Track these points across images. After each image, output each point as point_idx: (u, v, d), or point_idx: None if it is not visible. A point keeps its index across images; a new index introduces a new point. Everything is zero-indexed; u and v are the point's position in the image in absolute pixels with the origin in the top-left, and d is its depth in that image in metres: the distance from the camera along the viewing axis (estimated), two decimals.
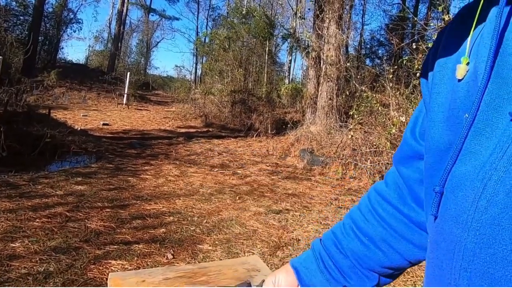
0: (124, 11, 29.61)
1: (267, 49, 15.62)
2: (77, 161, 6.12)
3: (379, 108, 6.81)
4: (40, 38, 20.73)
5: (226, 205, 4.33)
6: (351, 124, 7.35)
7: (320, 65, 9.60)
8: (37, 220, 3.34)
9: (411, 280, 2.77)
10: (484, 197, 0.38)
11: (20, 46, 14.64)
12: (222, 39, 15.43)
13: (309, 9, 15.60)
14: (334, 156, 6.81)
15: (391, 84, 6.97)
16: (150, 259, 2.85)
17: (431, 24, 8.41)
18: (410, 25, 13.60)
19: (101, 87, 20.00)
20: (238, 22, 16.11)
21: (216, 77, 15.26)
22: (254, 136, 10.26)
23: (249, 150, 8.54)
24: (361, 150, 6.33)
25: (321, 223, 3.98)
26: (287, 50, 20.94)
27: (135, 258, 2.85)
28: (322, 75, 8.97)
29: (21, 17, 20.41)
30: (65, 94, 16.47)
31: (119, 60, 30.43)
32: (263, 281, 0.70)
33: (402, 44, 9.86)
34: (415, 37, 7.86)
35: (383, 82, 7.52)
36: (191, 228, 3.53)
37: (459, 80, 0.46)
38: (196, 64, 30.91)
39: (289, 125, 9.35)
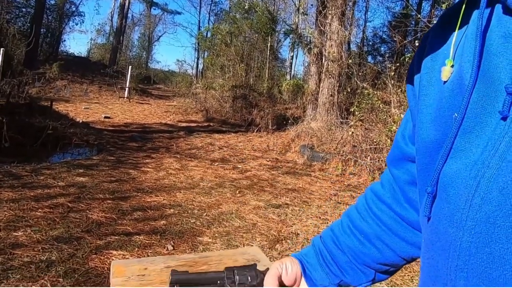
0: (126, 4, 29.53)
1: (269, 44, 15.60)
2: (79, 153, 6.16)
3: (380, 105, 6.82)
4: (42, 30, 20.71)
5: (226, 198, 4.37)
6: (352, 120, 7.37)
7: (321, 61, 9.60)
8: (39, 210, 3.38)
9: (408, 275, 2.81)
10: (478, 195, 0.38)
11: (22, 38, 14.63)
12: (224, 34, 15.41)
13: (311, 5, 15.58)
14: (334, 152, 6.84)
15: (392, 82, 6.98)
16: (151, 250, 2.89)
17: (434, 22, 8.39)
18: (413, 22, 13.58)
19: (102, 80, 20.00)
20: (240, 17, 16.09)
21: (218, 72, 15.26)
22: (255, 131, 10.29)
23: (249, 145, 8.57)
24: (361, 146, 6.36)
25: (320, 218, 4.01)
26: (289, 46, 20.90)
27: (136, 248, 2.88)
28: (323, 72, 8.97)
29: (23, 9, 20.40)
30: (66, 86, 16.49)
31: (121, 53, 30.38)
32: (267, 268, 0.72)
33: (404, 42, 9.85)
34: (418, 35, 7.86)
35: (384, 79, 7.53)
36: (191, 221, 3.57)
37: (444, 82, 0.47)
38: (198, 58, 30.88)
39: (289, 121, 9.37)
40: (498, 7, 0.42)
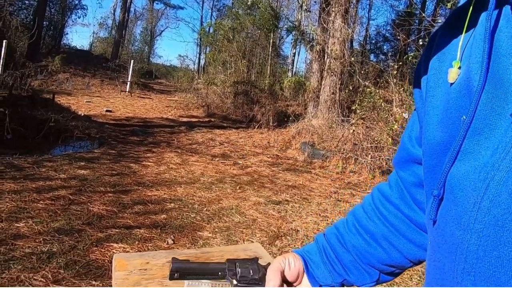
0: None
1: (271, 41, 15.58)
2: (80, 146, 6.17)
3: (382, 103, 6.83)
4: (45, 23, 20.69)
5: (226, 194, 4.39)
6: (353, 119, 7.37)
7: (324, 59, 9.58)
8: (41, 202, 3.40)
9: (407, 273, 2.82)
10: (487, 198, 0.38)
11: (25, 30, 14.63)
12: (227, 30, 15.38)
13: (315, 2, 15.51)
14: (335, 150, 6.85)
15: (395, 80, 6.98)
16: (151, 244, 2.91)
17: (439, 21, 8.38)
18: (417, 21, 13.53)
19: (104, 74, 19.99)
20: (243, 13, 16.04)
21: (219, 67, 15.24)
22: (256, 127, 10.29)
23: (250, 141, 8.58)
24: (362, 145, 6.37)
25: (320, 215, 4.03)
26: (291, 43, 20.84)
27: (136, 242, 2.90)
28: (325, 69, 8.96)
29: (26, 1, 20.35)
30: (69, 79, 16.49)
31: (123, 47, 30.35)
32: (269, 263, 0.72)
33: (408, 40, 9.83)
34: (422, 34, 7.85)
35: (387, 78, 7.53)
36: (192, 215, 3.59)
37: (451, 84, 0.46)
38: (200, 54, 30.86)
39: (290, 118, 9.37)
40: (507, 8, 0.41)
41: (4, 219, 2.95)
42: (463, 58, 0.46)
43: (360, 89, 8.43)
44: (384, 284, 2.61)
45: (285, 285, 0.69)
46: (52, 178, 4.11)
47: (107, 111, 10.95)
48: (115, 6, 33.65)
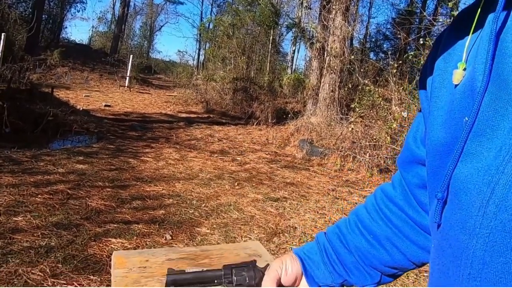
0: None
1: (271, 38, 15.55)
2: (79, 141, 6.16)
3: (381, 102, 6.83)
4: (43, 16, 20.56)
5: (224, 190, 4.39)
6: (352, 117, 7.38)
7: (323, 56, 9.58)
8: (39, 196, 3.40)
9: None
10: (493, 202, 0.37)
11: (24, 23, 14.54)
12: (226, 26, 15.35)
13: None
14: (333, 148, 6.86)
15: (394, 79, 6.98)
16: (149, 239, 2.91)
17: (439, 20, 8.37)
18: (417, 20, 13.52)
19: (103, 68, 19.93)
20: (243, 9, 16.00)
21: (219, 63, 15.21)
22: (255, 124, 10.29)
23: (249, 137, 8.59)
24: (360, 143, 6.38)
25: (317, 212, 4.04)
26: (291, 40, 20.80)
27: (135, 237, 2.91)
28: (325, 67, 8.96)
29: None
30: (67, 73, 16.43)
31: (122, 42, 30.24)
32: (268, 265, 0.72)
33: (408, 39, 9.83)
34: (422, 32, 7.85)
35: (386, 76, 7.53)
36: (190, 211, 3.60)
37: (456, 85, 0.46)
38: (199, 50, 30.76)
39: (289, 115, 9.37)
40: None
41: (2, 213, 2.95)
42: (469, 59, 0.46)
43: (360, 87, 8.43)
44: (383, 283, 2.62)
45: None
46: (50, 172, 4.11)
47: (106, 105, 10.93)
48: (114, 0, 33.51)
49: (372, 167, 5.94)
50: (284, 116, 9.96)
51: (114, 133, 7.07)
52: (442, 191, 0.44)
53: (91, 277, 2.31)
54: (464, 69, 0.45)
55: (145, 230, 3.05)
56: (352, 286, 0.69)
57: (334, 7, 8.66)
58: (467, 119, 0.42)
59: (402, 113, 6.02)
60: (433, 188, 0.48)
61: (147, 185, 4.17)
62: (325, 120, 8.38)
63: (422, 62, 5.99)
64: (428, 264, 0.56)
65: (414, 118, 0.67)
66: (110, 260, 0.95)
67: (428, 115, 0.53)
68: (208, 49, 19.92)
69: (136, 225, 3.12)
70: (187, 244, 2.92)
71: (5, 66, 7.13)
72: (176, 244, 2.90)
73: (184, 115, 11.44)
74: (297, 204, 4.23)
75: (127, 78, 17.32)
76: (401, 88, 6.67)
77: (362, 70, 9.58)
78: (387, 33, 18.59)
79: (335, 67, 8.63)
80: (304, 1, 14.65)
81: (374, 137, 6.29)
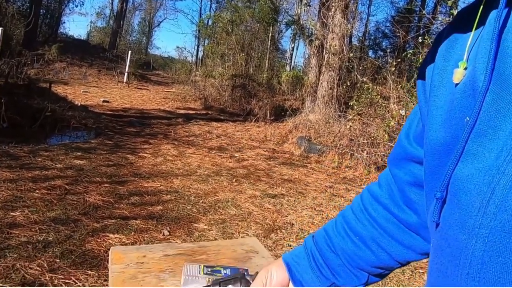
0: None
1: (270, 35, 15.52)
2: (77, 136, 6.16)
3: (379, 100, 6.85)
4: (41, 11, 20.47)
5: (222, 187, 4.40)
6: (350, 114, 7.39)
7: (322, 54, 9.57)
8: (37, 191, 3.40)
9: (400, 268, 2.86)
10: (493, 203, 0.37)
11: (21, 18, 14.46)
12: (225, 22, 15.31)
13: None
14: (331, 145, 6.87)
15: (393, 77, 6.99)
16: (147, 235, 2.92)
17: (439, 18, 8.38)
18: (416, 18, 13.51)
19: (101, 64, 19.86)
20: (242, 5, 15.96)
21: (218, 60, 15.18)
22: (253, 121, 10.30)
23: (247, 134, 8.59)
24: (358, 140, 6.39)
25: (315, 209, 4.05)
26: (290, 37, 20.76)
27: (132, 233, 2.92)
28: (324, 64, 8.96)
29: None
30: (65, 69, 16.37)
31: (121, 38, 30.13)
32: (257, 272, 0.73)
33: (407, 38, 9.82)
34: (421, 31, 7.85)
35: (385, 74, 7.54)
36: (188, 207, 3.60)
37: (456, 85, 0.46)
38: (198, 46, 30.70)
39: (288, 112, 9.37)
40: None
41: None
42: (469, 58, 0.45)
43: (358, 85, 8.44)
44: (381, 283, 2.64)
45: None
46: (48, 168, 4.10)
47: (104, 101, 10.91)
48: None
49: (370, 165, 5.96)
50: (283, 113, 9.97)
51: (112, 129, 7.06)
52: (441, 190, 0.44)
53: (89, 272, 2.31)
54: (465, 68, 0.45)
55: (143, 226, 3.06)
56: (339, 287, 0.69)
57: (333, 4, 8.65)
58: (468, 119, 0.41)
59: (400, 111, 6.04)
60: (432, 187, 0.47)
61: (145, 181, 4.18)
62: (323, 117, 8.39)
63: (420, 61, 5.99)
64: (423, 261, 0.56)
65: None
66: (108, 255, 0.96)
67: (426, 113, 0.52)
68: (207, 46, 19.88)
69: (134, 220, 3.13)
70: (185, 240, 2.93)
71: (2, 61, 7.10)
72: (174, 239, 2.91)
73: (182, 111, 11.43)
74: (294, 200, 4.25)
75: (126, 74, 17.27)
76: (399, 86, 6.68)
77: (360, 68, 9.59)
78: (386, 31, 18.58)
79: (334, 65, 8.63)
80: None
81: (372, 134, 6.31)
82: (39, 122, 5.89)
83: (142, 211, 3.35)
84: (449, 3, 5.68)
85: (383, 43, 18.58)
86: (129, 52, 19.21)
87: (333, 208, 4.13)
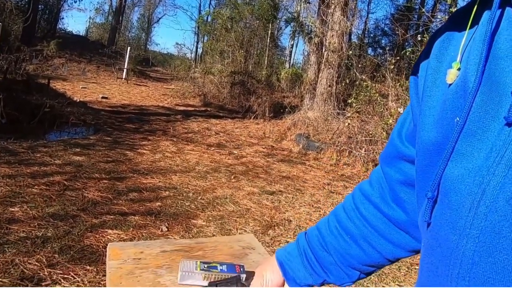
0: None
1: (269, 32, 15.49)
2: (76, 132, 6.16)
3: (378, 98, 6.85)
4: (40, 6, 20.38)
5: (221, 183, 4.42)
6: (349, 112, 7.40)
7: (322, 51, 9.57)
8: (36, 187, 3.41)
9: (395, 264, 2.88)
10: (484, 204, 0.37)
11: (20, 13, 14.41)
12: (225, 19, 15.27)
13: None
14: (329, 143, 6.89)
15: (391, 75, 6.99)
16: (145, 231, 2.94)
17: (438, 16, 8.38)
18: (416, 16, 13.50)
19: (100, 60, 19.81)
20: (241, 2, 15.92)
21: (217, 57, 15.15)
22: (252, 118, 10.30)
23: (246, 131, 8.60)
24: (356, 138, 6.41)
25: (312, 206, 4.07)
26: (289, 34, 20.73)
27: (131, 228, 2.93)
28: (323, 62, 8.96)
29: None
30: (64, 65, 16.33)
31: (120, 34, 30.05)
32: (252, 273, 0.76)
33: (406, 36, 9.82)
34: (420, 29, 7.85)
35: (384, 72, 7.54)
36: (186, 204, 3.62)
37: (449, 85, 0.46)
38: (197, 43, 30.60)
39: (287, 109, 9.38)
40: (509, 11, 0.41)
41: None
42: (463, 59, 0.46)
43: (357, 82, 8.44)
44: (377, 280, 2.66)
45: None
46: (47, 164, 4.11)
47: (103, 97, 10.89)
48: None
49: (368, 162, 5.98)
50: (281, 110, 9.98)
51: (111, 125, 7.07)
52: (432, 190, 0.44)
53: (87, 267, 2.33)
54: (459, 69, 0.45)
55: (141, 222, 3.07)
56: (330, 284, 0.72)
57: (333, 1, 8.64)
58: (458, 119, 0.42)
59: (399, 109, 6.05)
60: (423, 187, 0.48)
61: (144, 177, 4.19)
62: (322, 114, 8.40)
63: None
64: (419, 257, 0.57)
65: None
66: (106, 251, 0.97)
67: (418, 113, 0.53)
68: (206, 42, 19.85)
69: (132, 216, 3.15)
70: (183, 236, 2.94)
71: (1, 56, 7.09)
72: (172, 235, 2.93)
73: (181, 108, 11.42)
74: (292, 197, 4.27)
75: (125, 70, 17.23)
76: (398, 84, 6.69)
77: (359, 65, 9.59)
78: (385, 29, 18.55)
79: (333, 62, 8.63)
80: None
81: (370, 132, 6.33)
82: (37, 118, 5.89)
83: (141, 207, 3.37)
84: (449, 1, 5.69)
85: (383, 41, 18.57)
86: (128, 48, 19.17)
87: (331, 205, 4.15)
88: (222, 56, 14.89)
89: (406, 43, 11.98)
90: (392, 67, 7.14)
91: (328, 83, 8.70)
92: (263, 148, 6.94)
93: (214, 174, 4.76)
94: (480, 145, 0.39)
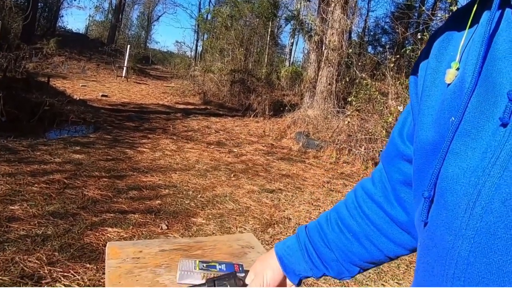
0: None
1: (269, 30, 15.46)
2: (76, 131, 6.16)
3: (378, 96, 6.85)
4: (39, 4, 20.35)
5: (220, 181, 4.42)
6: (349, 110, 7.40)
7: (321, 49, 9.56)
8: (36, 185, 3.41)
9: (394, 262, 2.89)
10: (479, 204, 0.38)
11: (19, 11, 14.39)
12: (225, 17, 15.24)
13: None
14: (329, 141, 6.89)
15: (391, 73, 6.99)
16: (145, 229, 2.94)
17: (438, 15, 8.37)
18: (416, 14, 13.48)
19: (100, 58, 19.78)
20: (241, 0, 15.88)
21: (217, 55, 15.13)
22: (252, 116, 10.30)
23: (245, 129, 8.60)
24: (356, 136, 6.41)
25: (312, 204, 4.08)
26: (289, 32, 20.71)
27: (131, 227, 2.94)
28: (323, 60, 8.95)
29: None
30: (64, 63, 16.31)
31: (120, 32, 30.01)
32: (248, 271, 0.76)
33: (406, 34, 9.81)
34: (420, 27, 7.84)
35: (384, 70, 7.54)
36: (186, 202, 3.62)
37: (448, 85, 0.46)
38: (197, 41, 30.55)
39: (286, 108, 9.38)
40: (508, 12, 0.41)
41: None
42: (462, 59, 0.46)
43: (357, 81, 8.44)
44: (376, 278, 2.67)
45: None
46: (47, 162, 4.11)
47: (102, 96, 10.89)
48: None
49: (367, 160, 5.98)
50: (281, 109, 9.97)
51: (111, 123, 7.06)
52: (429, 190, 0.44)
53: (87, 265, 2.33)
54: (457, 69, 0.46)
55: (141, 220, 3.08)
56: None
57: (333, 0, 8.62)
58: (453, 119, 0.42)
59: (398, 107, 6.05)
60: (420, 186, 0.48)
61: (144, 176, 4.19)
62: (322, 113, 8.40)
63: None
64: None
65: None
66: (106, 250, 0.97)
67: (417, 112, 0.53)
68: (206, 40, 19.81)
69: (132, 215, 3.15)
70: (183, 234, 2.95)
71: (0, 54, 7.08)
72: (172, 234, 2.93)
73: (181, 106, 11.42)
74: (292, 195, 4.27)
75: (124, 68, 17.22)
76: (398, 83, 6.69)
77: (359, 63, 9.58)
78: (385, 27, 18.52)
79: (333, 60, 8.62)
80: None
81: (370, 130, 6.33)
82: (37, 116, 5.89)
83: (141, 205, 3.37)
84: None
85: (383, 39, 18.55)
86: (128, 46, 19.15)
87: (331, 203, 4.15)
88: (222, 54, 14.88)
89: (406, 41, 11.97)
90: (392, 65, 7.13)
91: (328, 81, 8.69)
92: (263, 146, 6.94)
93: (214, 172, 4.76)
94: (474, 145, 0.40)
